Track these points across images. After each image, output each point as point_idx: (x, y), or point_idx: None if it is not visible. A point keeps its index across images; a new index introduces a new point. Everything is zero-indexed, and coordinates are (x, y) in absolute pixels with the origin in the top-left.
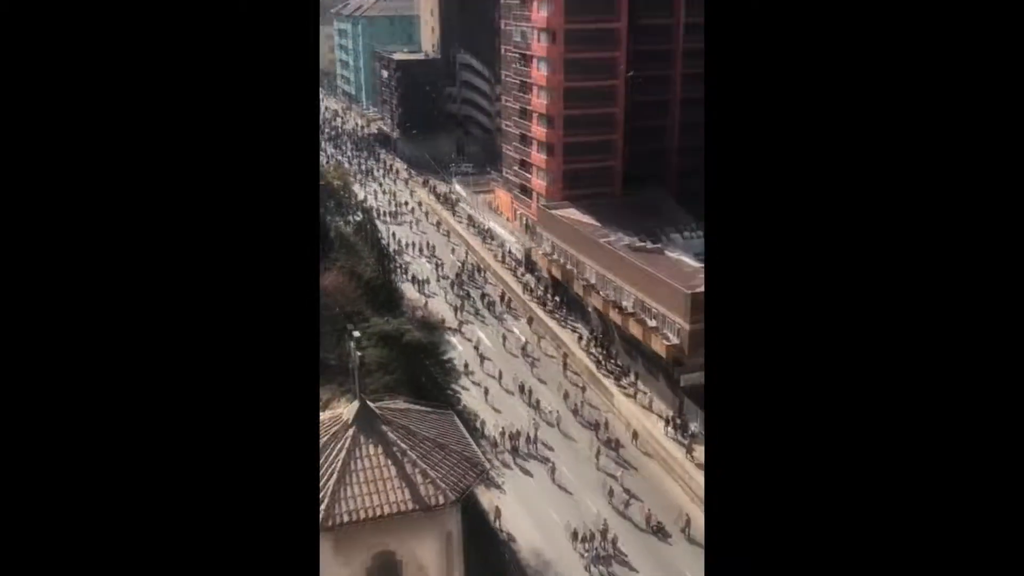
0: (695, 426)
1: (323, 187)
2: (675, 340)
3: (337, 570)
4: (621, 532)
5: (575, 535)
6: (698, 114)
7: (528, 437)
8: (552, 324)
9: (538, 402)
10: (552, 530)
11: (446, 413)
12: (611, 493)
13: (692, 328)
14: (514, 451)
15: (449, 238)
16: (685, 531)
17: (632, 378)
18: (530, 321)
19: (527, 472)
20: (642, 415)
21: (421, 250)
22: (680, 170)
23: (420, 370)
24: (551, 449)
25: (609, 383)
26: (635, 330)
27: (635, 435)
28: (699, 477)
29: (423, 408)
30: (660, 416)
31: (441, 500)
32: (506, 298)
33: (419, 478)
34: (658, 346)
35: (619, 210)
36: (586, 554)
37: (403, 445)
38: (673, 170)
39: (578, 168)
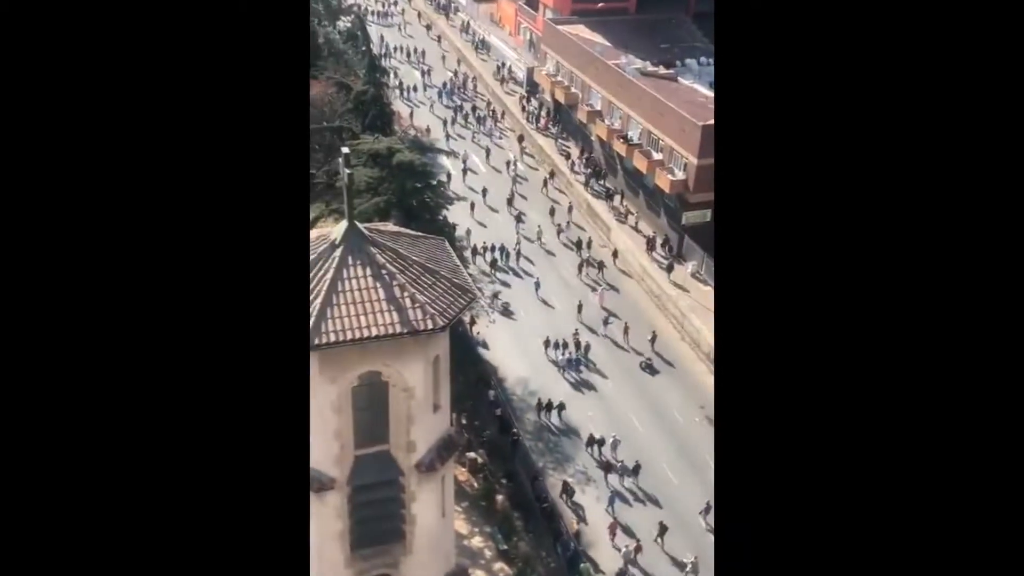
0: (693, 265)
1: None
2: (681, 175)
3: (324, 388)
4: (595, 343)
5: (546, 343)
6: None
7: (509, 253)
8: (544, 143)
9: (520, 216)
10: (529, 340)
11: (437, 239)
12: (580, 309)
13: (700, 163)
14: (493, 265)
15: (440, 43)
16: (652, 342)
17: (619, 199)
18: (520, 139)
19: (506, 284)
20: (627, 236)
21: (409, 55)
22: None
23: (411, 193)
24: (532, 263)
25: (598, 204)
26: (639, 163)
27: (615, 254)
28: (672, 293)
29: (414, 233)
30: (644, 235)
31: (429, 325)
32: (497, 113)
33: (408, 302)
34: (662, 181)
35: (632, 30)
36: (560, 359)
37: (392, 268)
38: None
39: None
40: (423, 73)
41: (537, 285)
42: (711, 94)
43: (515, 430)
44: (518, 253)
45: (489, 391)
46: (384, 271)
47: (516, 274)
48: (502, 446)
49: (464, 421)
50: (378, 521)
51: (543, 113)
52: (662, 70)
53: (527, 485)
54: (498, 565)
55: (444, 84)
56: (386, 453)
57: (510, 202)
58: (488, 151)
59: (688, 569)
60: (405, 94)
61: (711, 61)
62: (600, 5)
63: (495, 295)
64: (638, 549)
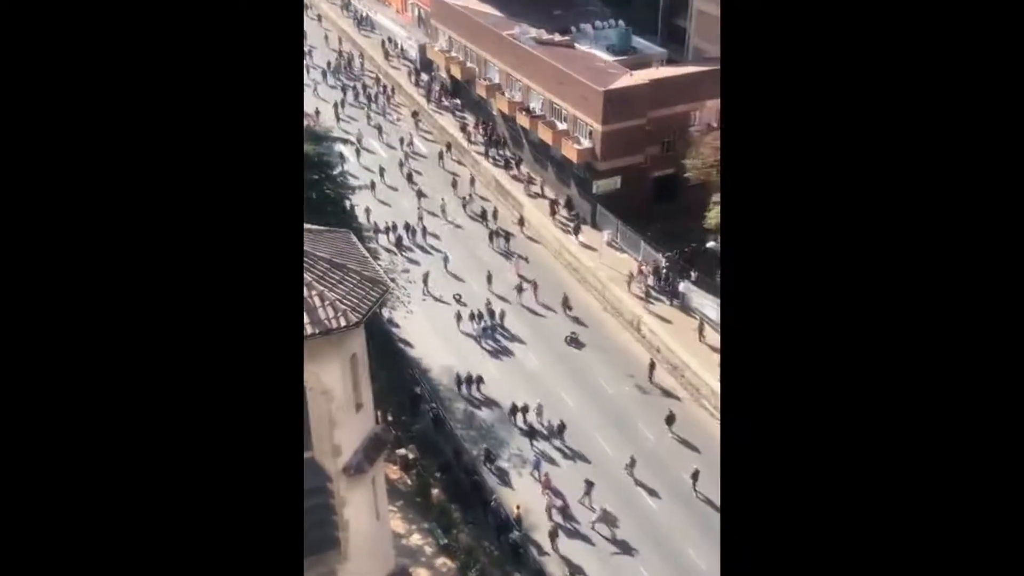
0: (608, 234)
1: None
2: (587, 144)
3: None
4: (509, 311)
5: (458, 316)
6: None
7: (414, 229)
8: (441, 119)
9: (421, 192)
10: (444, 317)
11: (343, 231)
12: (490, 278)
13: (605, 130)
14: (398, 244)
15: (321, 22)
16: (565, 306)
17: (518, 167)
18: (415, 115)
19: (414, 262)
20: (530, 203)
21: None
22: None
23: (310, 185)
24: (438, 238)
25: (498, 172)
26: (544, 135)
27: (522, 221)
28: (582, 257)
29: (317, 227)
30: (547, 199)
31: (343, 322)
32: (388, 90)
33: (317, 300)
34: (569, 151)
35: None
36: (474, 330)
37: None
38: None
39: None
40: (304, 54)
41: (446, 260)
42: (609, 58)
43: (432, 405)
44: (423, 230)
45: (415, 386)
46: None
47: (424, 251)
48: (433, 439)
49: (391, 417)
50: (310, 531)
51: (436, 88)
52: (558, 38)
53: (460, 472)
54: (440, 560)
55: (328, 64)
56: (310, 460)
57: (410, 179)
58: (380, 129)
59: (596, 517)
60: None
61: (606, 24)
62: None
63: (405, 270)
64: (564, 507)
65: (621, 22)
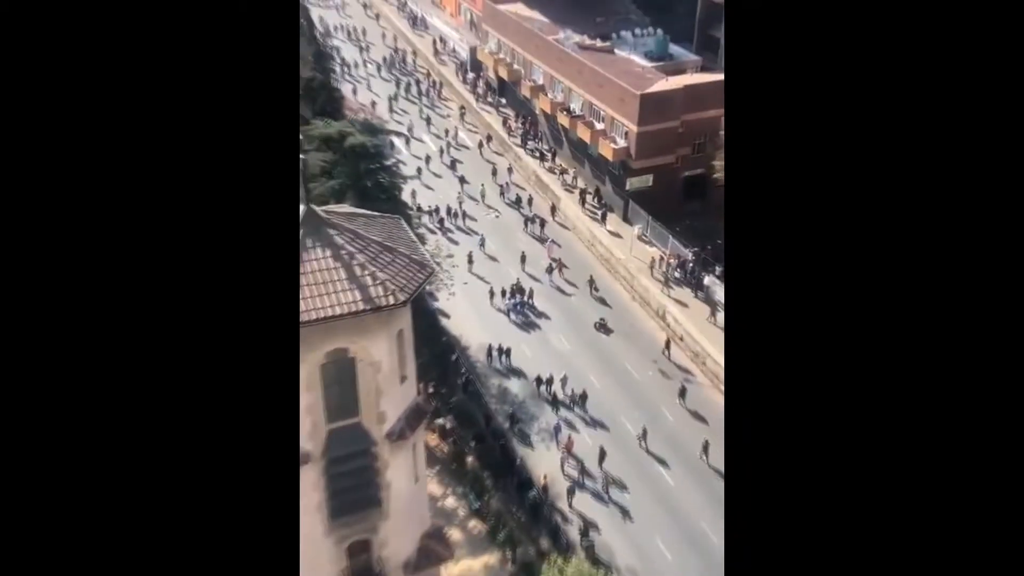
0: (639, 229)
1: None
2: (623, 143)
3: None
4: (538, 289)
5: (491, 292)
6: None
7: (455, 212)
8: (485, 115)
9: (462, 179)
10: (477, 293)
11: (393, 217)
12: (524, 259)
13: (640, 131)
14: (441, 224)
15: (378, 21)
16: (591, 286)
17: (553, 159)
18: (461, 110)
19: (455, 242)
20: (563, 192)
21: (349, 34)
22: None
23: (365, 174)
24: (475, 220)
25: (535, 164)
26: (583, 133)
27: (554, 209)
28: (607, 241)
29: (370, 213)
30: (577, 190)
31: (391, 300)
32: (438, 85)
33: (368, 280)
34: (605, 149)
35: (568, 5)
36: (505, 306)
37: (351, 248)
38: None
39: None
40: (361, 50)
41: (482, 242)
42: (647, 64)
43: (470, 379)
44: (464, 213)
45: (454, 361)
46: (344, 251)
47: (463, 232)
48: (469, 410)
49: (431, 390)
50: (355, 490)
51: (482, 85)
52: (599, 43)
53: (493, 443)
54: (472, 523)
55: (384, 59)
56: (358, 425)
57: (452, 167)
58: (429, 120)
59: (603, 481)
60: (346, 72)
61: (644, 32)
62: None
63: (449, 255)
64: (583, 471)
65: (659, 30)
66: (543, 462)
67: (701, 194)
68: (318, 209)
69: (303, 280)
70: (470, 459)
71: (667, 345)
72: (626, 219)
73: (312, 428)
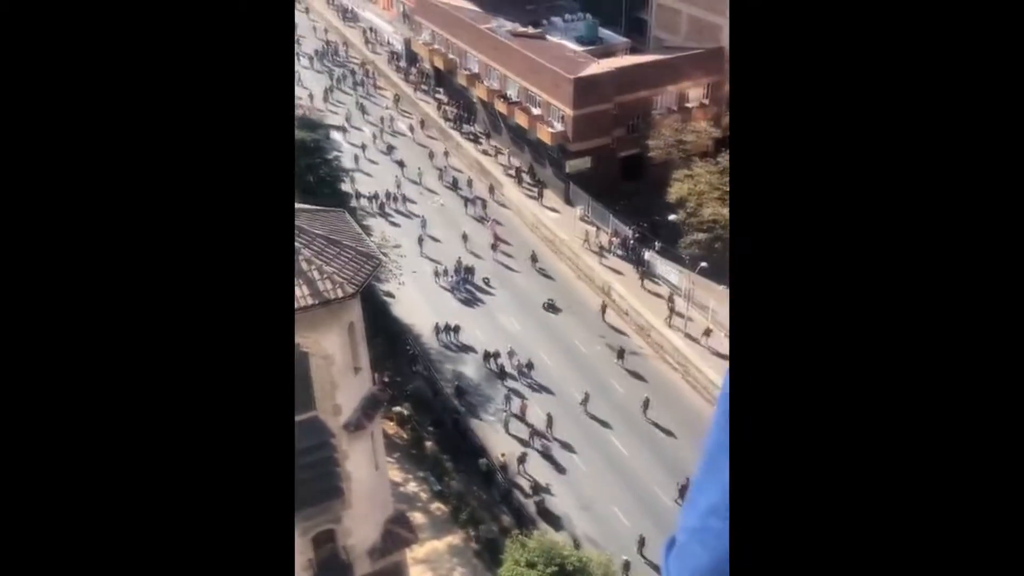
0: (580, 210)
1: None
2: (560, 127)
3: None
4: (479, 266)
5: (436, 273)
6: None
7: (395, 197)
8: (420, 103)
9: (401, 161)
10: (425, 277)
11: (338, 211)
12: (465, 238)
13: (576, 114)
14: (382, 209)
15: (308, 14)
16: (533, 262)
17: (488, 140)
18: (396, 98)
19: (395, 224)
20: (499, 173)
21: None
22: None
23: (307, 170)
24: (415, 203)
25: (469, 146)
26: (521, 119)
27: (492, 189)
28: (543, 218)
29: (314, 207)
30: (510, 169)
31: (340, 293)
32: (372, 75)
33: (316, 274)
34: (543, 134)
35: None
36: (448, 283)
37: (297, 243)
38: None
39: None
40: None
41: (424, 223)
42: (578, 48)
43: (417, 358)
44: (403, 197)
45: (408, 349)
46: None
47: (404, 215)
48: (425, 396)
49: (387, 379)
50: (315, 482)
51: (415, 73)
52: (531, 30)
53: (449, 424)
54: (434, 505)
55: (315, 51)
56: (315, 419)
57: (390, 150)
58: (364, 109)
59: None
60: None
61: (574, 17)
62: None
63: (396, 245)
64: (532, 434)
65: (588, 15)
66: (501, 440)
67: (637, 173)
68: None
69: None
70: (429, 443)
71: (603, 310)
72: (568, 201)
73: None
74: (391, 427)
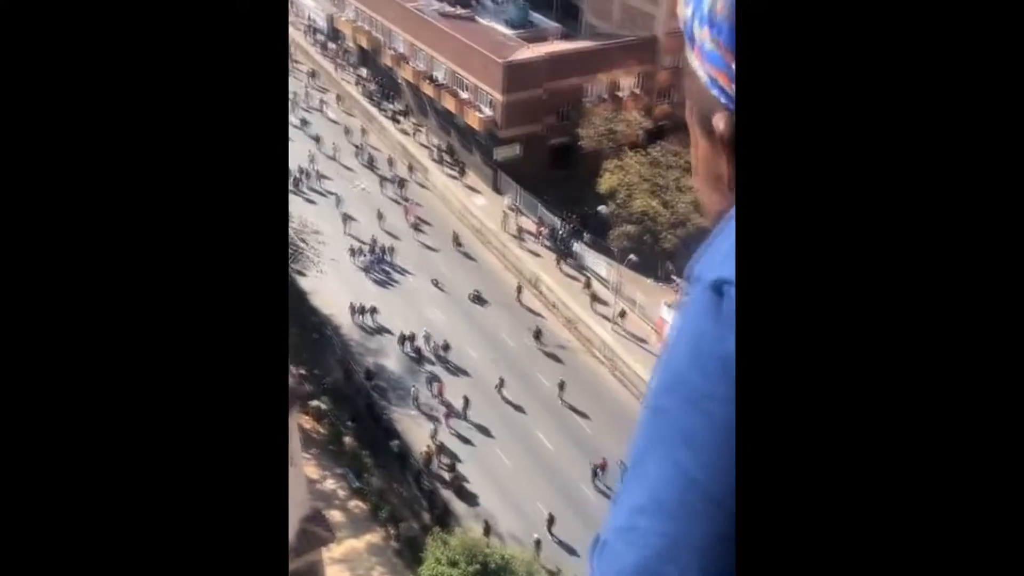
0: (508, 198)
1: None
2: (489, 113)
3: None
4: (398, 247)
5: (352, 251)
6: None
7: (309, 173)
8: (342, 81)
9: (317, 137)
10: (336, 252)
11: None
12: (381, 217)
13: (506, 100)
14: (296, 185)
15: None
16: (457, 243)
17: (408, 119)
18: (312, 74)
19: (311, 202)
20: (418, 152)
21: None
22: None
23: None
24: (331, 180)
25: (389, 124)
26: (449, 103)
27: (411, 168)
28: (467, 201)
29: None
30: (431, 148)
31: None
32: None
33: None
34: (472, 119)
35: None
36: (360, 261)
37: None
38: None
39: None
40: None
41: (338, 200)
42: (508, 32)
43: (342, 358)
44: (318, 173)
45: (324, 340)
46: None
47: (319, 193)
48: (344, 390)
49: (304, 372)
50: None
51: (336, 50)
52: (460, 11)
53: (370, 421)
54: (353, 503)
55: None
56: None
57: (304, 124)
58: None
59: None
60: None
61: (507, 0)
62: None
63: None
64: (448, 415)
65: None
66: (416, 425)
67: (567, 162)
68: None
69: None
70: (348, 439)
71: (518, 290)
72: (496, 190)
73: None
74: (308, 422)
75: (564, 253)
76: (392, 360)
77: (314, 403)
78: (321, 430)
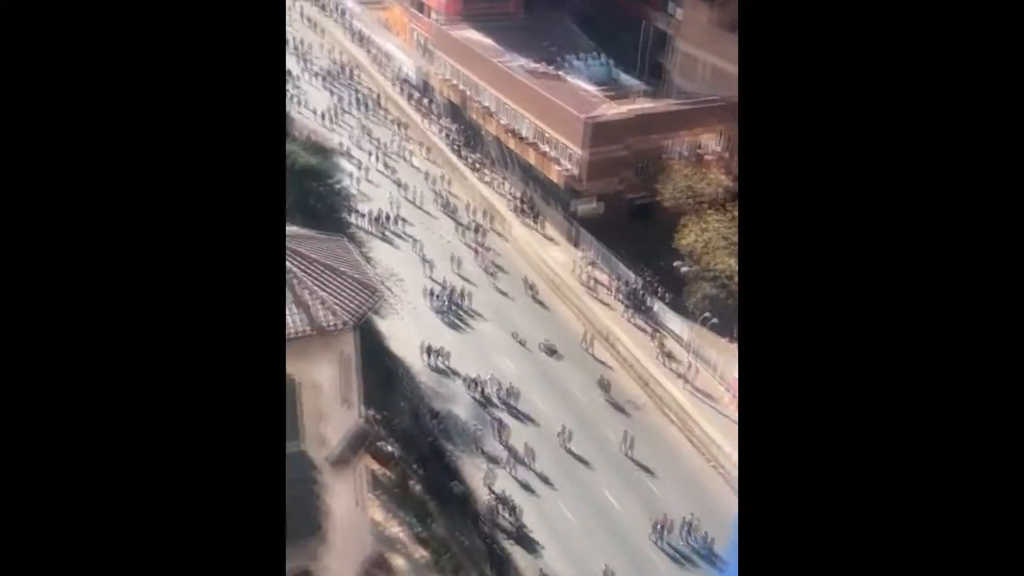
0: (589, 253)
1: None
2: (570, 167)
3: None
4: (473, 292)
5: (428, 292)
6: None
7: (391, 216)
8: (428, 131)
9: (400, 182)
10: (413, 288)
11: (339, 239)
12: (457, 262)
13: (588, 155)
14: (377, 222)
15: (323, 35)
16: (531, 292)
17: (491, 171)
18: (403, 126)
19: (390, 243)
20: (496, 200)
21: (296, 48)
22: None
23: (313, 195)
24: (412, 225)
25: (467, 171)
26: (531, 157)
27: (488, 216)
28: (543, 253)
29: (316, 235)
30: (510, 198)
31: (337, 324)
32: (379, 98)
33: (310, 301)
34: (553, 173)
35: (517, 31)
36: (435, 303)
37: (297, 270)
38: None
39: None
40: (304, 61)
41: (415, 243)
42: (592, 88)
43: (414, 403)
44: (400, 218)
45: (400, 385)
46: (289, 274)
47: (399, 236)
48: (413, 434)
49: (376, 414)
50: (295, 516)
51: (426, 103)
52: (546, 68)
53: (438, 469)
54: (416, 550)
55: (328, 72)
56: (298, 450)
57: (389, 170)
58: (368, 131)
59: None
60: (292, 84)
61: (591, 58)
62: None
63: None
64: (511, 458)
65: (605, 56)
66: (478, 468)
67: (646, 218)
68: None
69: None
70: (414, 484)
71: (590, 341)
72: (575, 243)
73: None
74: (376, 464)
75: (639, 308)
76: (460, 406)
77: (384, 445)
78: (389, 473)
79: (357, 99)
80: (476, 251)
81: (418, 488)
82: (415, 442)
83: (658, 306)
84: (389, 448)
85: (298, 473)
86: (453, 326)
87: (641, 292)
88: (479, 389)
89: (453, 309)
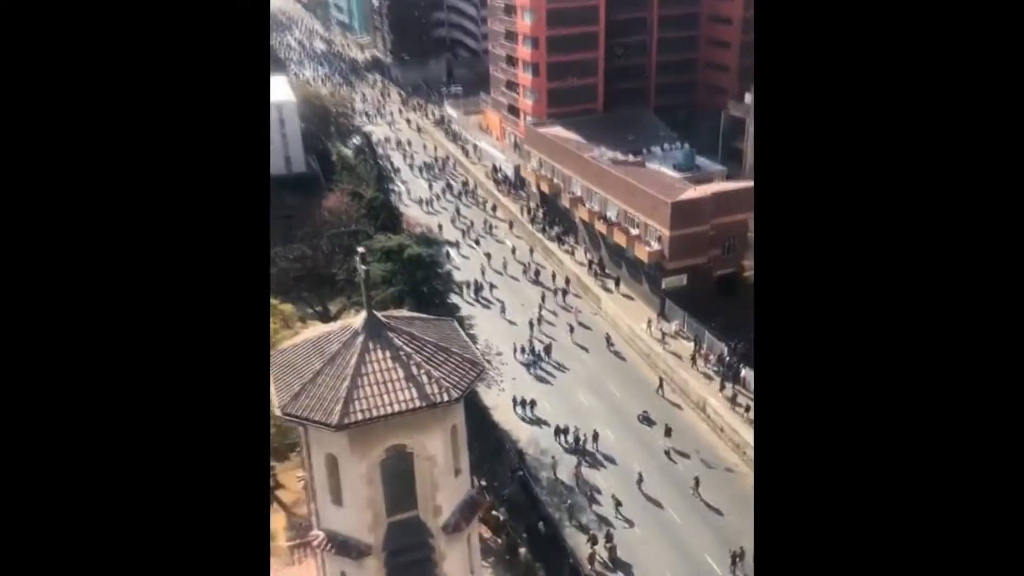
0: (676, 324)
1: (323, 113)
2: (657, 246)
3: (354, 464)
4: (556, 347)
5: (516, 348)
6: (674, 30)
7: (482, 286)
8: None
9: (489, 255)
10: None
11: (447, 320)
12: (540, 321)
13: (672, 235)
14: (476, 292)
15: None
16: (609, 344)
17: (570, 241)
18: (493, 207)
19: (485, 306)
20: (576, 267)
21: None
22: (658, 85)
23: (421, 281)
24: (496, 288)
25: (553, 246)
26: (619, 239)
27: (568, 281)
28: (611, 309)
29: (426, 316)
30: (587, 263)
31: (445, 397)
32: (470, 186)
33: (424, 378)
34: (641, 252)
35: (602, 126)
36: (523, 360)
37: (409, 349)
38: (652, 86)
39: (562, 86)
40: (409, 158)
41: (503, 308)
42: (676, 175)
43: (520, 472)
44: (489, 285)
45: (506, 456)
46: (402, 352)
47: (485, 304)
48: (521, 503)
49: (484, 483)
50: None
51: (523, 196)
52: (631, 158)
53: (544, 537)
54: None
55: (429, 166)
56: (415, 518)
57: (477, 243)
58: (459, 210)
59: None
60: (402, 182)
61: (672, 146)
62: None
63: (498, 353)
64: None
65: (686, 144)
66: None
67: (732, 291)
68: (379, 314)
69: (364, 380)
70: (523, 550)
71: (660, 384)
72: (663, 316)
73: (373, 521)
74: (487, 531)
75: (731, 378)
76: (561, 469)
77: (493, 513)
78: (498, 540)
79: (452, 188)
80: (557, 312)
81: (527, 554)
82: (522, 510)
83: (749, 374)
84: (500, 516)
85: (416, 540)
86: (540, 379)
87: (732, 361)
88: (565, 437)
89: (538, 364)
